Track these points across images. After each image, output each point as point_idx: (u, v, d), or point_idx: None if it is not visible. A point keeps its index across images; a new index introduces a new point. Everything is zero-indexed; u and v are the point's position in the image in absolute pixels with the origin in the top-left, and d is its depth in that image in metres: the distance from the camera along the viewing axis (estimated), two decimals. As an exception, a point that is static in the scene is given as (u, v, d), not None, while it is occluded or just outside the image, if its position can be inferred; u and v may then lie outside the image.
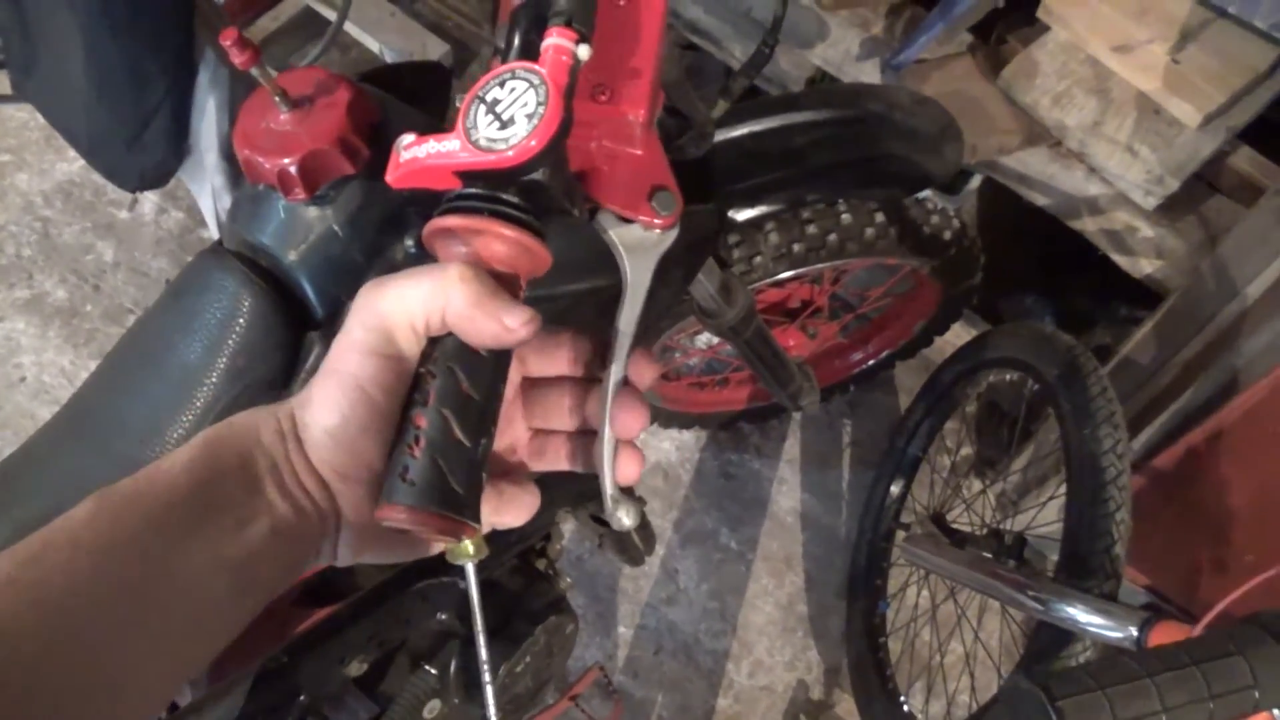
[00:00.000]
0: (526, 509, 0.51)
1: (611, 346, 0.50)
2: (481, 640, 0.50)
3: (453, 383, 0.45)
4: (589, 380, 0.51)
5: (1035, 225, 1.64)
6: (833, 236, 1.29)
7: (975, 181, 1.75)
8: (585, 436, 0.52)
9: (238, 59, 0.64)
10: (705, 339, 1.71)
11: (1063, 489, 1.24)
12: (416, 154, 0.46)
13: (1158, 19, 1.44)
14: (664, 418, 1.71)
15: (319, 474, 0.45)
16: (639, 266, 0.52)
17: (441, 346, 0.45)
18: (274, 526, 0.43)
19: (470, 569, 0.49)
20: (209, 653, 0.43)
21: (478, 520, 0.46)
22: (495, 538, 0.99)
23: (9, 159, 1.88)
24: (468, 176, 0.46)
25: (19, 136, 1.90)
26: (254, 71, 0.67)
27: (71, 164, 1.89)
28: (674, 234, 0.52)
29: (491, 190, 0.46)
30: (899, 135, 1.12)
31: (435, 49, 2.00)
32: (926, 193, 1.59)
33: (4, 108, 1.90)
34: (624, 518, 0.53)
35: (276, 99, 0.69)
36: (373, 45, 2.00)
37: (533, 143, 0.44)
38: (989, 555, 1.31)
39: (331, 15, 1.94)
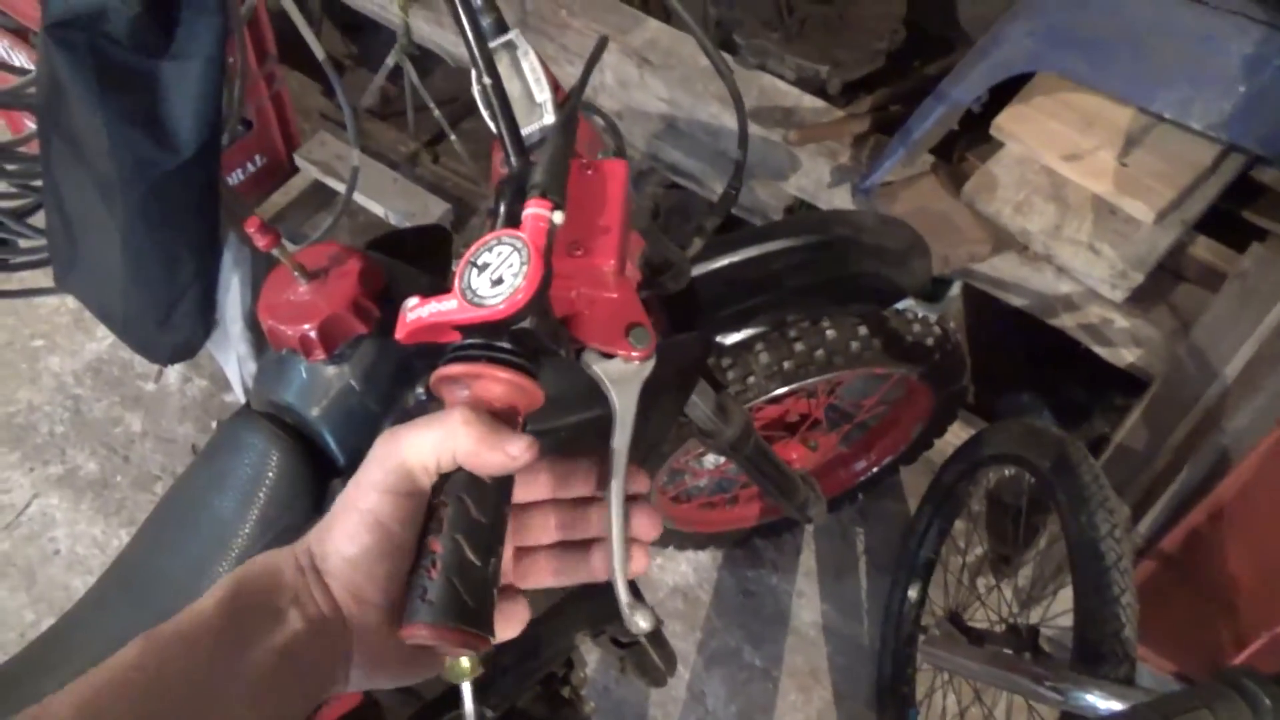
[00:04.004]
0: (519, 621, 0.56)
1: (609, 464, 0.56)
2: None
3: (463, 510, 0.51)
4: (570, 501, 0.57)
5: (1023, 324, 1.71)
6: (820, 352, 1.37)
7: (955, 289, 1.83)
8: (566, 550, 0.58)
9: (260, 242, 0.73)
10: (712, 459, 1.77)
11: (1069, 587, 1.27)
12: (420, 314, 0.54)
13: (1102, 128, 1.55)
14: (679, 540, 1.75)
15: (335, 601, 0.50)
16: (624, 394, 0.59)
17: (451, 480, 0.52)
18: (296, 654, 0.48)
19: (467, 688, 0.53)
20: None
21: (492, 633, 0.51)
22: (519, 668, 1.03)
23: (42, 344, 1.99)
24: (466, 329, 0.53)
25: (50, 322, 2.02)
26: (275, 252, 0.76)
27: (100, 343, 1.99)
28: (651, 364, 0.59)
29: (487, 340, 0.53)
30: (868, 254, 1.20)
31: (436, 208, 2.13)
32: (908, 303, 1.67)
33: (38, 298, 2.03)
34: (640, 621, 0.57)
35: (295, 273, 0.78)
36: (378, 210, 2.14)
37: (519, 296, 0.51)
38: (1007, 651, 1.33)
39: (338, 186, 2.09)
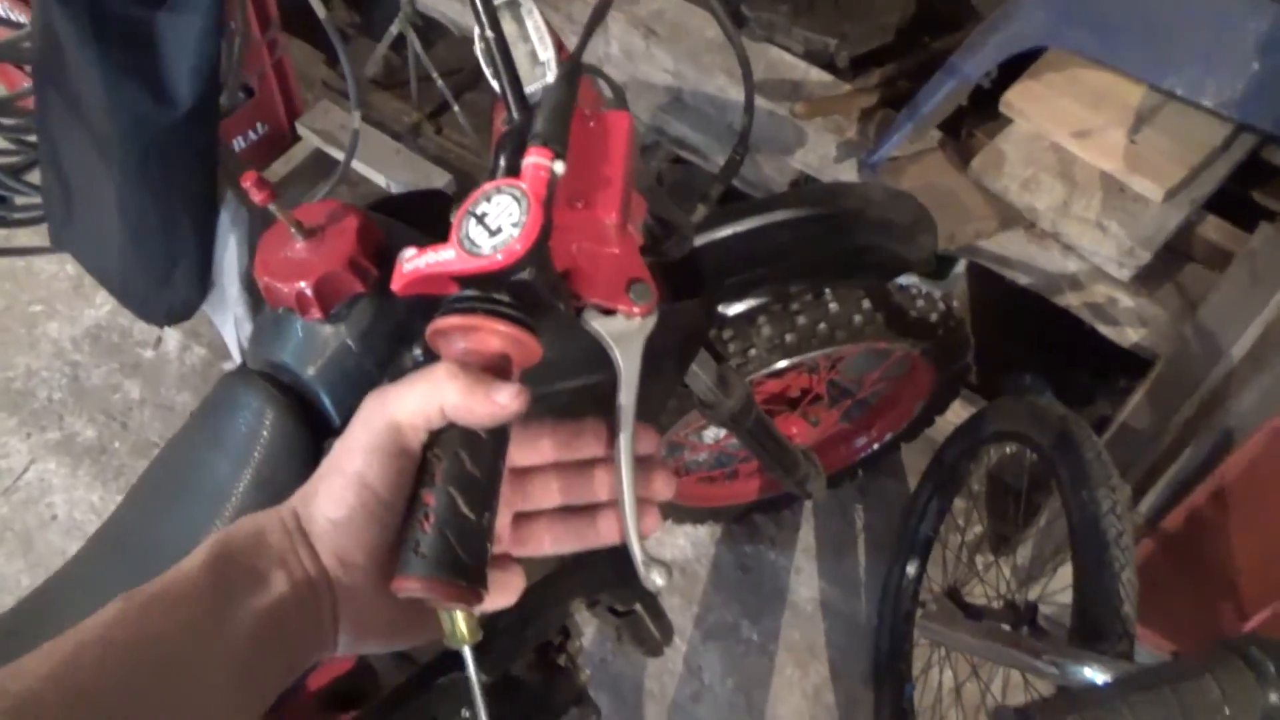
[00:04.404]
0: (514, 590, 0.55)
1: (617, 422, 0.56)
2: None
3: (457, 464, 0.50)
4: (574, 465, 0.57)
5: (1028, 304, 1.70)
6: (822, 325, 1.35)
7: (960, 266, 1.82)
8: (569, 515, 0.57)
9: (257, 197, 0.72)
10: (712, 434, 1.76)
11: (1069, 564, 1.27)
12: (417, 264, 0.53)
13: (1113, 106, 1.53)
14: (677, 514, 1.74)
15: (322, 564, 0.49)
16: (627, 352, 0.58)
17: (443, 435, 0.51)
18: (281, 617, 0.48)
19: (468, 652, 0.53)
20: None
21: (485, 587, 0.50)
22: (513, 635, 1.02)
23: (40, 309, 1.98)
24: (463, 280, 0.52)
25: (49, 287, 2.01)
26: (271, 207, 0.74)
27: (98, 309, 1.99)
28: (653, 320, 0.58)
29: (484, 291, 0.52)
30: (873, 227, 1.19)
31: (439, 180, 2.12)
32: (913, 279, 1.66)
33: (35, 262, 2.02)
34: (656, 577, 0.57)
35: (292, 230, 0.77)
36: (380, 180, 2.12)
37: (517, 246, 0.50)
38: (1005, 626, 1.33)
39: (340, 155, 2.07)
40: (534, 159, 0.52)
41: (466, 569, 0.49)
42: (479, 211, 0.52)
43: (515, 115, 0.64)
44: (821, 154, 1.71)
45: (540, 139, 0.53)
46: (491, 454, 0.52)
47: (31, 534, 1.73)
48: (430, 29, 2.06)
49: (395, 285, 0.54)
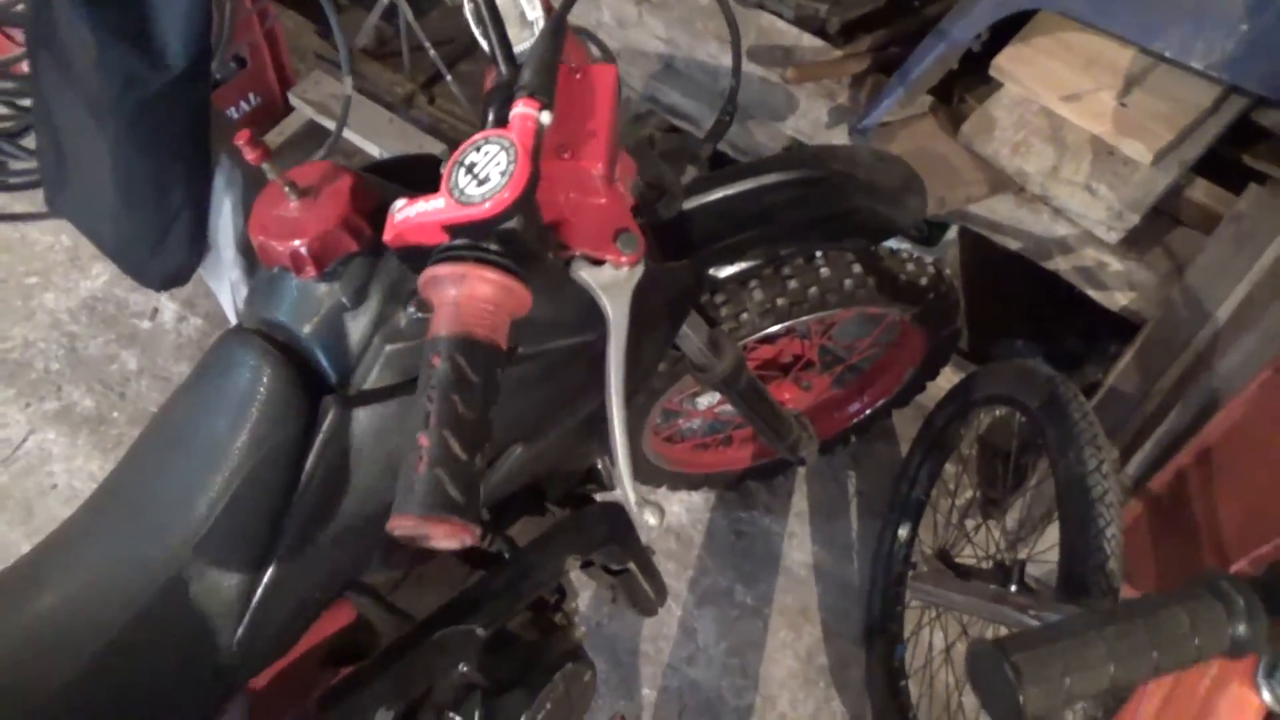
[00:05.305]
0: None
1: (607, 369, 0.57)
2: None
3: (450, 408, 0.52)
4: None
5: (1018, 271, 1.71)
6: (813, 289, 1.37)
7: (952, 232, 1.83)
8: None
9: (250, 156, 0.73)
10: (705, 400, 1.77)
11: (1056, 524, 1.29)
12: (408, 214, 0.54)
13: (1103, 69, 1.53)
14: (671, 480, 1.76)
15: None
16: (616, 302, 0.59)
17: (437, 375, 0.52)
18: None
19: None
20: None
21: (479, 523, 0.52)
22: (509, 592, 1.04)
23: (36, 280, 1.99)
24: (453, 230, 0.53)
25: (45, 259, 2.02)
26: (264, 167, 0.75)
27: (95, 281, 1.99)
28: (640, 270, 0.59)
29: (474, 240, 0.53)
30: (862, 190, 1.20)
31: (433, 150, 2.12)
32: (904, 245, 1.67)
33: (30, 233, 2.02)
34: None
35: (286, 189, 0.77)
36: (374, 150, 2.13)
37: (505, 194, 0.51)
38: (994, 586, 1.35)
39: (332, 126, 2.07)
40: (521, 109, 0.53)
41: (459, 506, 0.50)
42: (468, 161, 0.53)
43: (504, 71, 0.65)
44: (813, 119, 1.72)
45: (527, 90, 0.54)
46: (483, 399, 0.53)
47: (31, 502, 1.75)
48: (422, -2, 2.06)
49: (387, 236, 0.56)
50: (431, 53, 2.10)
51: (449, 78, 2.15)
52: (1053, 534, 1.54)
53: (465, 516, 0.50)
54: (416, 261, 0.56)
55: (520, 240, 0.54)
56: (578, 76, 0.60)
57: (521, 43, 0.78)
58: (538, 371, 0.64)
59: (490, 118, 0.58)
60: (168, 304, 1.97)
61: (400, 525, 0.50)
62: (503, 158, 0.52)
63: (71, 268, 2.01)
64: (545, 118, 0.53)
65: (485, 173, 0.52)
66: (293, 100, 2.13)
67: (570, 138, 0.58)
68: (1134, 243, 1.54)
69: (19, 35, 1.42)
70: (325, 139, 2.09)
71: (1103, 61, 1.54)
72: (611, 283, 0.59)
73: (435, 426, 0.51)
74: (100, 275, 1.99)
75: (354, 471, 0.82)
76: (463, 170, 0.53)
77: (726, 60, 1.75)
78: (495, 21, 0.67)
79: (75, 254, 2.01)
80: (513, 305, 0.54)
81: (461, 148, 0.54)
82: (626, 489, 0.57)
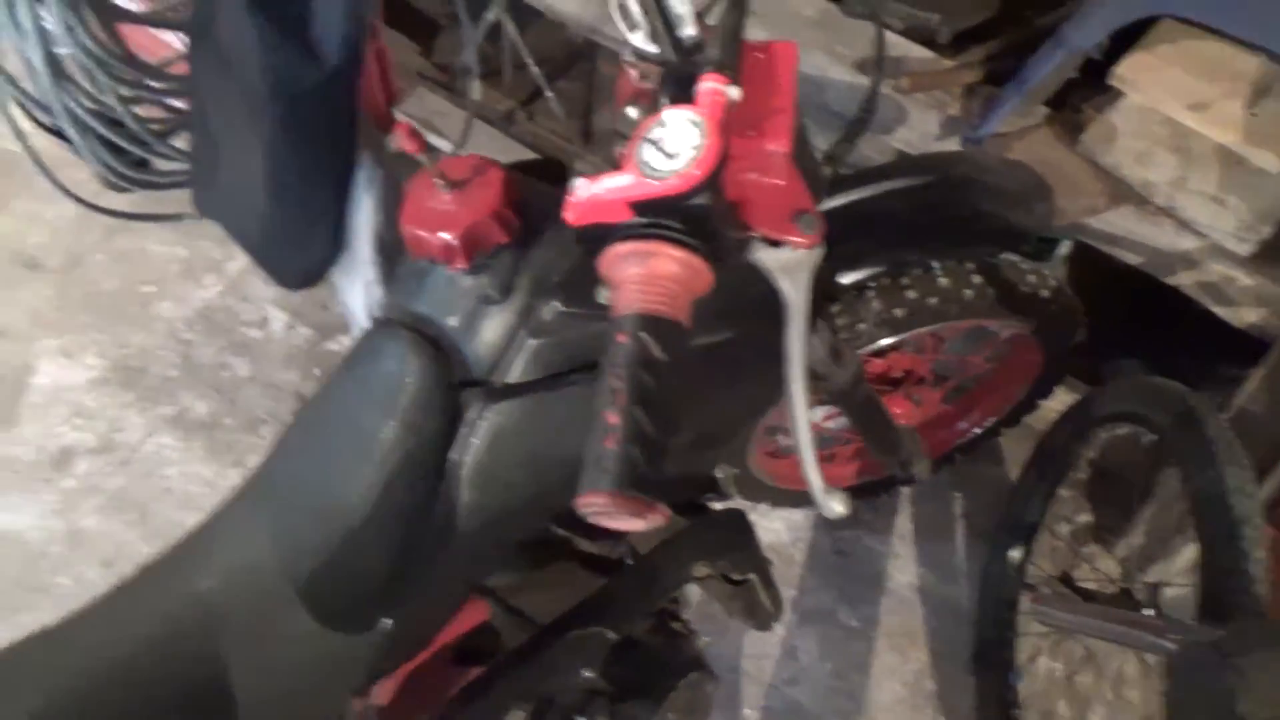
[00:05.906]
0: None
1: (787, 360, 0.56)
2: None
3: (640, 385, 0.51)
4: None
5: (1125, 292, 1.65)
6: (932, 300, 1.34)
7: (1064, 248, 1.78)
8: None
9: (409, 147, 0.74)
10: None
11: (1188, 547, 1.23)
12: (595, 190, 0.53)
13: (1229, 77, 1.48)
14: (774, 497, 1.73)
15: None
16: (794, 284, 0.58)
17: (624, 352, 0.51)
18: None
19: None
20: None
21: (667, 503, 0.51)
22: (638, 595, 1.03)
23: (153, 290, 2.06)
24: (640, 206, 0.53)
25: (162, 270, 2.09)
26: (419, 158, 0.76)
27: (208, 290, 2.06)
28: (819, 252, 0.58)
29: (659, 218, 0.53)
30: (989, 195, 1.17)
31: (532, 166, 2.14)
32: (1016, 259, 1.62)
33: (148, 244, 2.10)
34: (835, 505, 0.57)
35: (438, 181, 0.78)
36: (475, 167, 2.16)
37: (696, 171, 0.51)
38: (1125, 610, 1.29)
39: (437, 141, 2.11)
40: (710, 84, 0.53)
41: (649, 484, 0.50)
42: (654, 137, 0.53)
43: (674, 56, 0.64)
44: (922, 131, 1.69)
45: (715, 65, 0.54)
46: (670, 378, 0.52)
47: (148, 505, 1.80)
48: (521, 16, 2.09)
49: (569, 215, 0.55)
50: (534, 70, 2.13)
51: (549, 94, 2.18)
52: (1178, 559, 1.48)
53: (657, 495, 0.50)
54: (595, 243, 0.55)
55: (707, 218, 0.53)
56: (760, 54, 0.59)
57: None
58: (702, 364, 0.63)
59: (667, 98, 0.57)
60: (277, 314, 2.02)
61: (591, 503, 0.49)
62: (693, 133, 0.51)
63: (186, 278, 2.07)
64: (734, 93, 0.53)
65: (674, 149, 0.51)
66: (398, 116, 2.18)
67: (754, 116, 0.57)
68: (1265, 257, 1.48)
69: (163, 35, 1.47)
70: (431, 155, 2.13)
71: (1230, 69, 1.49)
72: (790, 264, 0.58)
73: (626, 403, 0.50)
74: (213, 286, 2.06)
75: (495, 466, 0.82)
76: (650, 146, 0.52)
77: (833, 73, 1.74)
78: (660, 6, 0.67)
79: (190, 265, 2.08)
80: (698, 286, 0.54)
81: (646, 123, 0.53)
82: (811, 474, 0.55)
